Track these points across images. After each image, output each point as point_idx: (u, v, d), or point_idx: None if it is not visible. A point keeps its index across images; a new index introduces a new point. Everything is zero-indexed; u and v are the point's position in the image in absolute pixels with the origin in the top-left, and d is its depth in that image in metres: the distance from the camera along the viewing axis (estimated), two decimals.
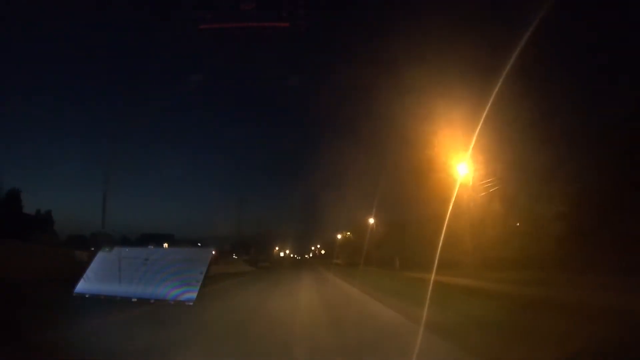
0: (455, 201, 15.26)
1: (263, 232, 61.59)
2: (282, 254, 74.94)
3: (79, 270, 6.49)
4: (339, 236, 58.39)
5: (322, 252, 77.68)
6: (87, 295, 6.08)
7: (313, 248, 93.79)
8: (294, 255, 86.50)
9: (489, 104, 12.11)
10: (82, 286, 6.18)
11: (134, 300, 5.95)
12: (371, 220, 36.95)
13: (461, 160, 16.48)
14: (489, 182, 17.06)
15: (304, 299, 12.12)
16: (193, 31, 10.78)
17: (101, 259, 6.46)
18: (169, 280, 5.81)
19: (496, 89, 11.99)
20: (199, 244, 42.70)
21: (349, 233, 56.08)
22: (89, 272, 6.28)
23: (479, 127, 12.87)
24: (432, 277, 12.09)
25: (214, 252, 6.95)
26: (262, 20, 10.07)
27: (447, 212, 14.02)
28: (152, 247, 7.03)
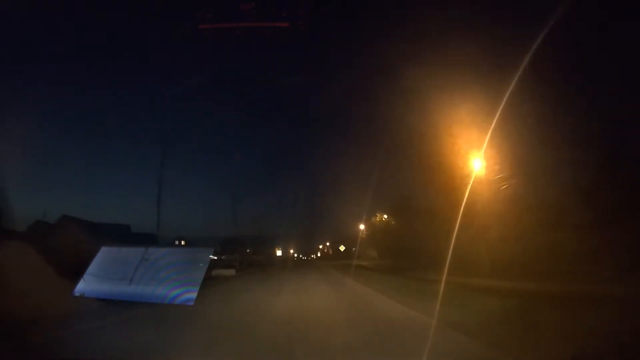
0: None
1: (259, 230, 54.45)
2: (279, 254, 63.03)
3: None
4: (362, 226, 37.96)
5: (341, 248, 52.70)
6: (85, 296, 6.06)
7: (321, 246, 77.41)
8: (298, 256, 75.18)
9: (503, 103, 9.72)
10: (81, 287, 6.15)
11: (134, 301, 5.94)
12: (476, 164, 13.12)
13: None
14: None
15: None
16: (193, 31, 10.76)
17: (100, 259, 6.44)
18: (169, 280, 5.79)
19: (510, 89, 9.58)
20: (179, 242, 38.68)
21: (385, 217, 35.24)
22: (88, 272, 6.25)
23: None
24: None
25: None
26: (262, 20, 10.04)
27: None
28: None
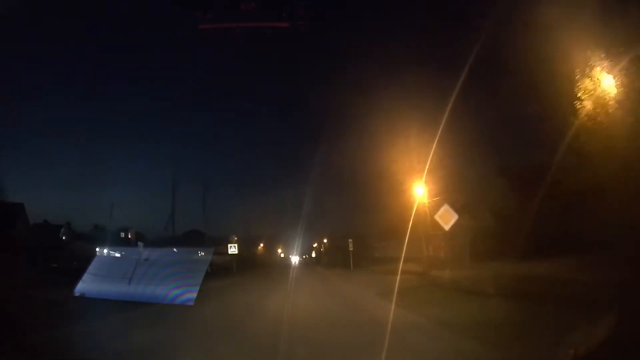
0: None
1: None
2: (232, 251, 36.86)
3: None
4: (420, 190, 17.89)
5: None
6: (86, 296, 6.08)
7: (316, 245, 61.21)
8: (287, 256, 60.09)
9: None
10: (81, 287, 6.17)
11: (134, 301, 5.96)
12: None
13: None
14: None
15: None
16: (193, 31, 10.79)
17: (100, 259, 6.45)
18: (169, 280, 5.80)
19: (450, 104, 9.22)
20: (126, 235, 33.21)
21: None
22: (88, 272, 6.27)
23: None
24: None
25: None
26: (262, 20, 10.09)
27: None
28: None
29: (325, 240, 51.21)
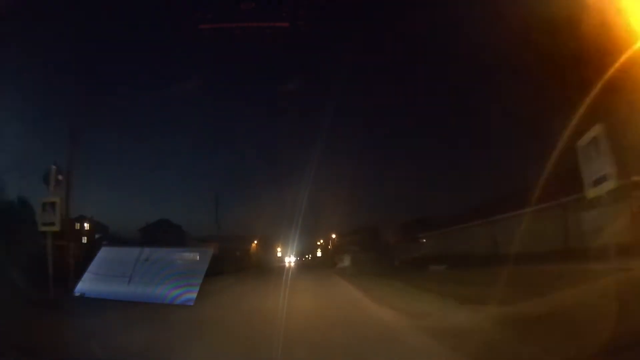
0: None
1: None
2: (46, 222, 14.26)
3: None
4: None
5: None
6: (86, 296, 6.07)
7: (320, 242, 52.33)
8: (284, 256, 49.87)
9: None
10: (81, 286, 6.17)
11: (134, 301, 5.96)
12: None
13: None
14: None
15: None
16: (193, 31, 10.77)
17: (100, 258, 6.46)
18: (169, 280, 5.80)
19: None
20: None
21: None
22: (88, 272, 6.27)
23: None
24: None
25: None
26: (262, 20, 10.06)
27: None
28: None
29: (333, 236, 41.08)
